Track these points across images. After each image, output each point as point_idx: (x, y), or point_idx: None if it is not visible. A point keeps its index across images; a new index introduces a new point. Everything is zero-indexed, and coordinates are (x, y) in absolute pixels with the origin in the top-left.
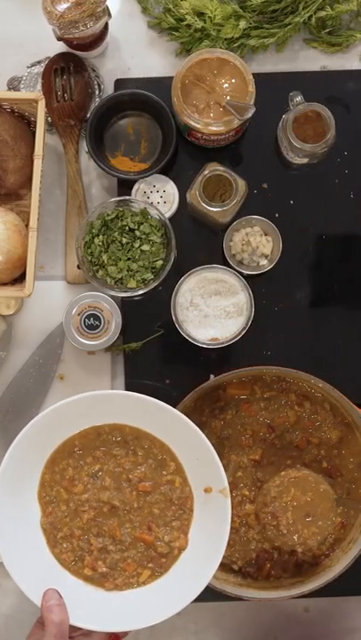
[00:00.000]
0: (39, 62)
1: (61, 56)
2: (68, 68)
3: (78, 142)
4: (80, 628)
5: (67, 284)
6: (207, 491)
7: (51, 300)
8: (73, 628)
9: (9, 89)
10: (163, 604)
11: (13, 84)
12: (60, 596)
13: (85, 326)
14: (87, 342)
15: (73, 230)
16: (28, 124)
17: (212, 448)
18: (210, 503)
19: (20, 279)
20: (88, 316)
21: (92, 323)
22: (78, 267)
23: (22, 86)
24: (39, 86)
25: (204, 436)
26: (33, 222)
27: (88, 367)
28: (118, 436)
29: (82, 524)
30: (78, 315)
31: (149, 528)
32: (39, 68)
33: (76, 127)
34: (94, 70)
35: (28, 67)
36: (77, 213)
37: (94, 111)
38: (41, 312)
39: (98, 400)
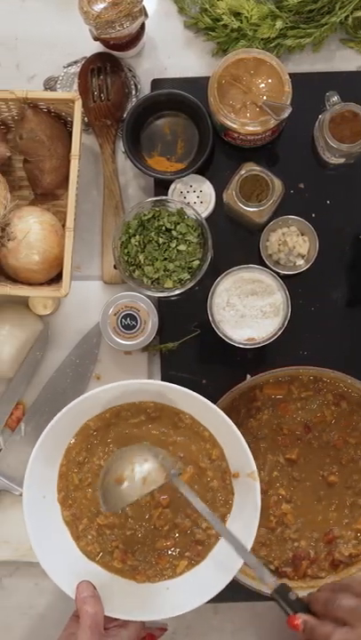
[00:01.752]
0: (75, 62)
1: (98, 56)
2: (104, 67)
3: (115, 142)
4: (115, 619)
5: (103, 284)
6: (235, 476)
7: (87, 300)
8: (108, 619)
9: (45, 89)
10: (196, 592)
11: (50, 84)
12: (94, 587)
13: (122, 326)
14: (124, 342)
15: (109, 230)
16: (64, 124)
17: (238, 431)
18: (239, 488)
19: (56, 279)
20: (125, 316)
21: (128, 323)
22: (115, 267)
23: (59, 86)
24: (76, 86)
25: (229, 419)
26: (69, 222)
27: (125, 367)
28: (140, 414)
29: (106, 514)
30: (115, 315)
31: (187, 515)
32: (75, 68)
33: (113, 127)
34: (131, 70)
35: (64, 67)
36: (114, 213)
37: (131, 111)
38: (77, 312)
39: (124, 390)
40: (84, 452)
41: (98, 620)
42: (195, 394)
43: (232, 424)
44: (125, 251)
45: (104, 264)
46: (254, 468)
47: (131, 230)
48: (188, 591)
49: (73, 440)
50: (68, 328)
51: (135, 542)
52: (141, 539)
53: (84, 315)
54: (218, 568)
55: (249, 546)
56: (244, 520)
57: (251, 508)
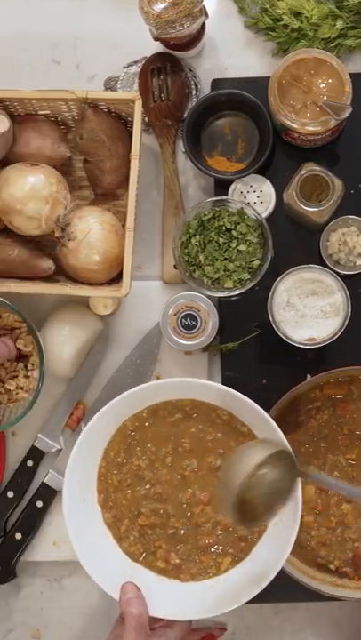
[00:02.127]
0: (136, 62)
1: (158, 56)
2: (164, 67)
3: (175, 142)
4: (161, 619)
5: (163, 284)
6: None
7: (147, 300)
8: (153, 620)
9: (106, 89)
10: (241, 589)
11: (110, 85)
12: (138, 588)
13: (182, 326)
14: (184, 342)
15: (170, 230)
16: (124, 124)
17: (276, 426)
18: None
19: (116, 279)
20: (185, 316)
21: (188, 323)
22: (175, 267)
23: (119, 86)
24: (136, 86)
25: (266, 414)
26: (130, 222)
27: (185, 367)
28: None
29: (147, 514)
30: (175, 315)
31: None
32: (136, 68)
33: (173, 127)
34: (191, 70)
35: (124, 67)
36: (174, 213)
37: (191, 111)
38: (138, 312)
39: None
40: (123, 452)
41: (143, 620)
42: (229, 389)
43: (270, 418)
44: (186, 251)
45: (164, 264)
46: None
47: (191, 230)
48: (232, 588)
49: (111, 441)
50: (128, 328)
51: (178, 541)
52: (184, 537)
53: (145, 315)
54: (262, 564)
55: (291, 542)
56: (286, 514)
57: (292, 504)
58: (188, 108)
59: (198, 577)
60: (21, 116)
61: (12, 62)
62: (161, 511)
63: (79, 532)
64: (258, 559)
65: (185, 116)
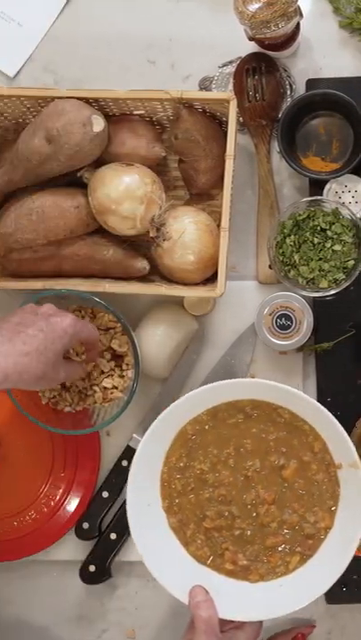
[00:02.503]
0: (230, 62)
1: (253, 56)
2: (259, 67)
3: (270, 142)
4: (231, 621)
5: (258, 284)
6: (338, 467)
7: (242, 300)
8: (223, 622)
9: (201, 89)
10: (311, 586)
11: (205, 85)
12: (207, 591)
13: (277, 326)
14: (279, 342)
15: (264, 230)
16: (219, 124)
17: (336, 421)
18: (344, 479)
19: (211, 279)
20: (280, 316)
21: (283, 323)
22: (270, 267)
23: (214, 86)
24: (230, 86)
25: (325, 409)
26: (224, 222)
27: (280, 367)
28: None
29: (212, 517)
30: (270, 315)
31: (294, 510)
32: (230, 68)
33: (268, 127)
34: (286, 70)
35: (219, 67)
36: (269, 213)
37: (286, 111)
38: (232, 312)
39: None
40: (185, 457)
41: (212, 623)
42: (289, 387)
43: (329, 414)
44: (280, 251)
45: (259, 264)
46: (356, 457)
47: (286, 230)
48: (302, 586)
49: (172, 446)
50: (223, 328)
51: (245, 542)
52: (250, 538)
53: (239, 315)
54: (331, 560)
55: (356, 538)
56: (353, 510)
57: (357, 498)
58: (283, 108)
59: (267, 577)
60: (116, 116)
61: (108, 63)
62: (226, 513)
63: (145, 537)
64: (326, 556)
65: (280, 116)
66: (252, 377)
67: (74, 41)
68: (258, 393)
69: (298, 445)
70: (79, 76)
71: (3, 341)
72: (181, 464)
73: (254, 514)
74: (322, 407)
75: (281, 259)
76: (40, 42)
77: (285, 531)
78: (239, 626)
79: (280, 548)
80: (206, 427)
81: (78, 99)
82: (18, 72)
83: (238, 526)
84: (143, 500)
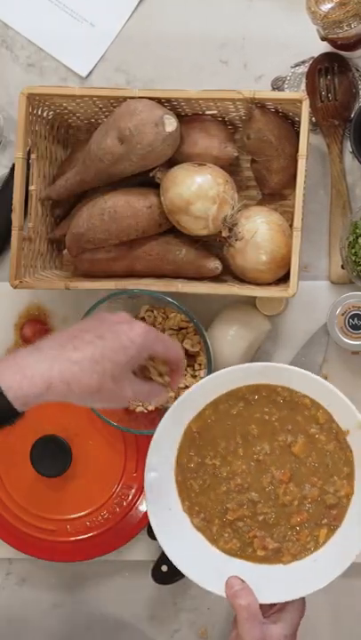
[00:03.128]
0: (303, 62)
1: (326, 56)
2: (332, 68)
3: (342, 142)
4: (272, 606)
5: (330, 284)
6: (347, 433)
7: (314, 300)
8: (265, 608)
9: (273, 89)
10: (344, 554)
11: (277, 84)
12: (242, 580)
13: (350, 326)
14: (351, 342)
15: (337, 230)
16: (292, 123)
17: (333, 387)
18: (355, 443)
19: (283, 279)
20: (352, 316)
21: (356, 323)
22: (342, 267)
23: (286, 86)
24: (303, 86)
25: (321, 379)
26: (297, 222)
27: (353, 367)
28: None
29: (234, 508)
30: (342, 315)
31: (312, 484)
32: (303, 68)
33: (340, 127)
34: (358, 70)
35: (291, 67)
36: (341, 213)
37: (358, 111)
38: (305, 312)
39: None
40: (195, 456)
41: (253, 609)
42: (281, 365)
43: (325, 382)
44: (353, 251)
45: (331, 264)
46: (359, 416)
47: (358, 230)
48: (335, 556)
49: (179, 449)
50: (295, 328)
51: (270, 526)
52: (275, 520)
53: (312, 315)
54: (359, 524)
55: None
56: None
57: None
58: (356, 107)
59: (300, 555)
60: (189, 116)
61: (180, 62)
62: (246, 501)
63: (173, 542)
64: (353, 522)
65: (352, 115)
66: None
67: (146, 41)
68: (253, 377)
69: (302, 421)
70: (151, 75)
71: (53, 346)
72: (192, 464)
73: (274, 496)
74: (316, 377)
75: (353, 259)
76: (112, 42)
77: (308, 506)
78: (282, 608)
79: (306, 525)
80: (209, 421)
81: (150, 99)
82: (90, 72)
83: (261, 511)
84: (163, 506)
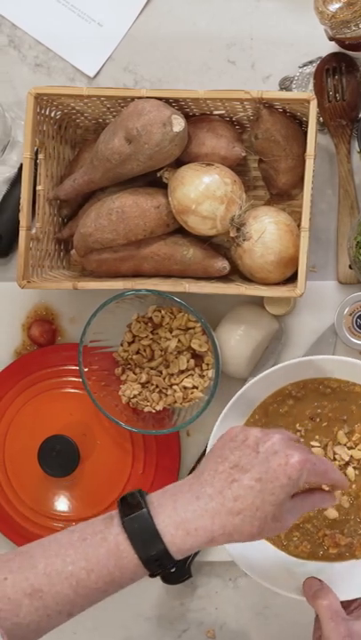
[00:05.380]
0: (311, 62)
1: (333, 56)
2: (339, 68)
3: (350, 142)
4: (353, 601)
5: (338, 284)
6: None
7: (322, 300)
8: (346, 604)
9: (281, 89)
10: None
11: (285, 84)
12: (320, 580)
13: (357, 326)
14: (359, 342)
15: (345, 230)
16: (299, 123)
17: None
18: None
19: (291, 279)
20: (360, 316)
21: None
22: (350, 267)
23: (294, 86)
24: (311, 86)
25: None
26: (305, 222)
27: None
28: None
29: None
30: (350, 315)
31: None
32: (311, 68)
33: (348, 127)
34: None
35: (299, 67)
36: (349, 213)
37: None
38: (312, 312)
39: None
40: None
41: (335, 608)
42: (329, 356)
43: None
44: (360, 251)
45: (339, 264)
46: None
47: None
48: None
49: None
50: (302, 328)
51: (339, 522)
52: (344, 514)
53: (319, 315)
54: None
55: None
56: None
57: None
58: None
59: None
60: (196, 116)
61: (188, 63)
62: None
63: (243, 554)
64: None
65: (360, 116)
66: None
67: (154, 41)
68: (300, 374)
69: (357, 409)
70: (159, 75)
71: (213, 495)
72: None
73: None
74: (354, 360)
75: None
76: (120, 42)
77: None
78: None
79: None
80: (260, 425)
81: (158, 99)
82: (98, 72)
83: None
84: None
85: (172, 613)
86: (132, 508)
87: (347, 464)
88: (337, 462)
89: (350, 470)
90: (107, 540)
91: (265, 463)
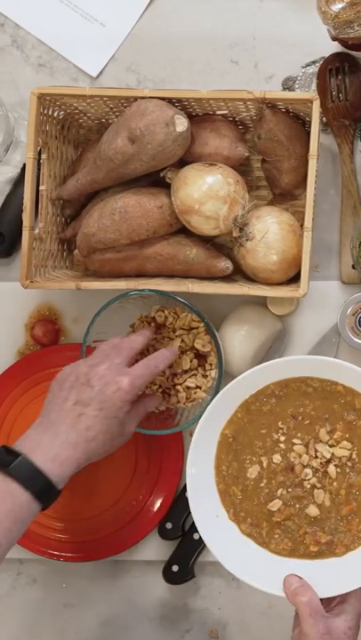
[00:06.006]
0: (314, 62)
1: (336, 56)
2: (342, 68)
3: (353, 142)
4: (332, 598)
5: (341, 284)
6: None
7: (325, 300)
8: (326, 602)
9: (284, 89)
10: None
11: (288, 84)
12: (300, 577)
13: (360, 326)
14: None
15: (348, 230)
16: (302, 123)
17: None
18: None
19: (294, 279)
20: None
21: None
22: (353, 267)
23: (297, 86)
24: (314, 86)
25: (349, 364)
26: (308, 222)
27: None
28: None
29: (280, 509)
30: (353, 315)
31: (358, 471)
32: (314, 68)
33: (351, 127)
34: None
35: (302, 67)
36: (352, 213)
37: None
38: (315, 312)
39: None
40: (234, 462)
41: (314, 605)
42: (313, 357)
43: (353, 366)
44: None
45: (342, 264)
46: None
47: None
48: None
49: (217, 456)
50: (306, 328)
51: (320, 519)
52: (325, 512)
53: (322, 315)
54: None
55: None
56: None
57: None
58: None
59: (353, 545)
60: (199, 116)
61: (191, 63)
62: (291, 499)
63: (224, 548)
64: None
65: None
66: None
67: (157, 41)
68: (284, 372)
69: (338, 408)
70: (162, 75)
71: (68, 430)
72: (232, 471)
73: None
74: (346, 363)
75: None
76: (123, 42)
77: (356, 493)
78: (343, 600)
79: (356, 513)
80: (242, 423)
81: (161, 99)
82: (101, 72)
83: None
84: (211, 513)
85: (175, 613)
86: (6, 459)
87: (328, 461)
88: (319, 460)
89: (332, 468)
90: (1, 488)
91: (101, 394)
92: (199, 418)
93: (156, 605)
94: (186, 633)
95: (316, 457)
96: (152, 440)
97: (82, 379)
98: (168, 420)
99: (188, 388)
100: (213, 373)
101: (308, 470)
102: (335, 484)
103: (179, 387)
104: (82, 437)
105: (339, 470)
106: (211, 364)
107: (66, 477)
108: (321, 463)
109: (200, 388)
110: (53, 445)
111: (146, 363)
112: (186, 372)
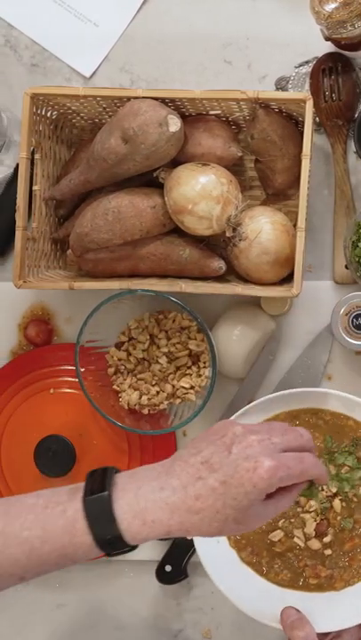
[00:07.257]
0: (307, 62)
1: (329, 56)
2: (336, 67)
3: (346, 142)
4: (327, 633)
5: (334, 284)
6: None
7: (318, 300)
8: (321, 636)
9: (277, 89)
10: None
11: (281, 85)
12: (298, 610)
13: (353, 326)
14: (355, 342)
15: (341, 230)
16: (295, 123)
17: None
18: None
19: (287, 279)
20: (356, 316)
21: (360, 323)
22: (346, 267)
23: (290, 86)
24: (307, 86)
25: (355, 396)
26: (301, 222)
27: (357, 367)
28: None
29: (281, 539)
30: (346, 315)
31: None
32: (307, 68)
33: (344, 127)
34: None
35: (295, 67)
36: (345, 213)
37: None
38: (308, 312)
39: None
40: None
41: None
42: (324, 389)
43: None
44: (357, 251)
45: (335, 264)
46: None
47: None
48: None
49: None
50: (299, 328)
51: (321, 553)
52: (326, 547)
53: (316, 315)
54: None
55: None
56: None
57: None
58: (359, 107)
59: (353, 580)
60: (193, 116)
61: (184, 63)
62: (292, 530)
63: (223, 576)
64: None
65: (356, 115)
66: (329, 378)
67: (150, 41)
68: (295, 403)
69: (348, 442)
70: (155, 76)
71: (176, 488)
72: None
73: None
74: (353, 396)
75: (357, 259)
76: (116, 42)
77: (359, 529)
78: (338, 635)
79: (359, 549)
80: None
81: (154, 99)
82: (94, 72)
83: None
84: (212, 539)
85: (168, 613)
86: (96, 487)
87: (334, 496)
88: (325, 493)
89: (337, 502)
90: (66, 514)
91: (233, 466)
92: (193, 418)
93: (150, 605)
94: (179, 633)
95: (323, 489)
96: (145, 440)
97: (228, 439)
98: (161, 420)
99: (182, 387)
100: (207, 372)
101: (313, 502)
102: (339, 518)
103: (172, 385)
104: (186, 505)
105: (344, 505)
106: (204, 364)
107: (144, 539)
108: (327, 496)
109: (193, 387)
110: (149, 498)
111: (300, 457)
112: (179, 371)
